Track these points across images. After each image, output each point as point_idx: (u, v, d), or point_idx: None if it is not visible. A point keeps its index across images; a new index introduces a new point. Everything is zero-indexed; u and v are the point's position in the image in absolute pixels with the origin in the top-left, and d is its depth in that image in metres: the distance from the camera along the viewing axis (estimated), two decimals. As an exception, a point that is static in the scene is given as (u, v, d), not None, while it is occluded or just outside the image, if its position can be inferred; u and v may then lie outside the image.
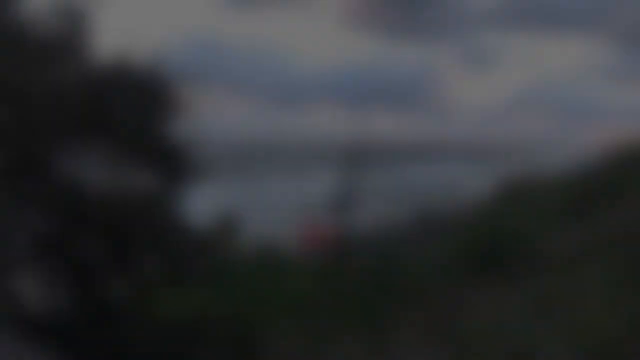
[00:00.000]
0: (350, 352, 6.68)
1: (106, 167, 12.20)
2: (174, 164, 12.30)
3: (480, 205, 34.77)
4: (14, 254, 10.61)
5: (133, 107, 11.58)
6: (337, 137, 20.12)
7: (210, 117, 13.28)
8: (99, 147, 12.18)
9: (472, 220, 21.73)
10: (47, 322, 12.73)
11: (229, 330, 13.97)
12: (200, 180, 12.80)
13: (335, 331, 13.47)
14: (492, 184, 36.22)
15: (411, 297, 17.36)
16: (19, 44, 11.04)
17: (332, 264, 21.80)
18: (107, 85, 11.20)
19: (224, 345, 10.90)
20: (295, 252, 24.79)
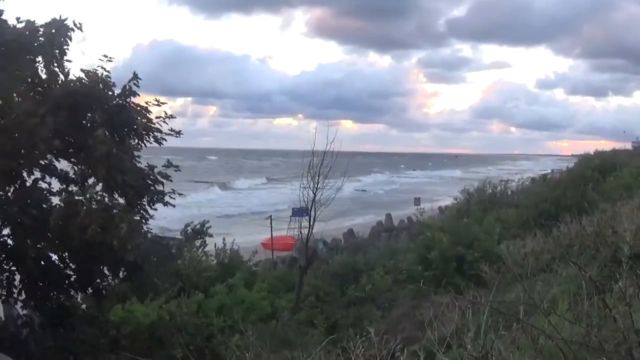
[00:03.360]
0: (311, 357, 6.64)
1: (73, 183, 12.14)
2: (139, 179, 12.26)
3: (447, 215, 34.94)
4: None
5: (101, 125, 11.52)
6: (304, 144, 20.08)
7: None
8: (70, 163, 12.13)
9: (439, 229, 21.92)
10: (11, 330, 12.56)
11: (190, 338, 13.90)
12: (166, 194, 12.80)
13: (298, 338, 13.45)
14: (459, 193, 36.48)
15: (373, 304, 17.38)
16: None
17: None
18: (78, 103, 11.16)
19: (186, 353, 10.81)
20: (259, 258, 24.76)
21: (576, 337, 4.79)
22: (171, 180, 12.71)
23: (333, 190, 19.43)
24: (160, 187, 12.60)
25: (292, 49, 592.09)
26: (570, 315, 5.51)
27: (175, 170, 12.88)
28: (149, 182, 12.38)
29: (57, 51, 11.47)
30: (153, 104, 12.48)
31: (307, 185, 19.04)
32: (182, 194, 13.85)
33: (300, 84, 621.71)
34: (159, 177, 12.48)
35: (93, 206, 11.21)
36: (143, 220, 12.47)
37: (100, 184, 11.60)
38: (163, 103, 12.68)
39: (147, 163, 12.73)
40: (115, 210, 11.41)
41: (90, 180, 11.79)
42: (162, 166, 12.66)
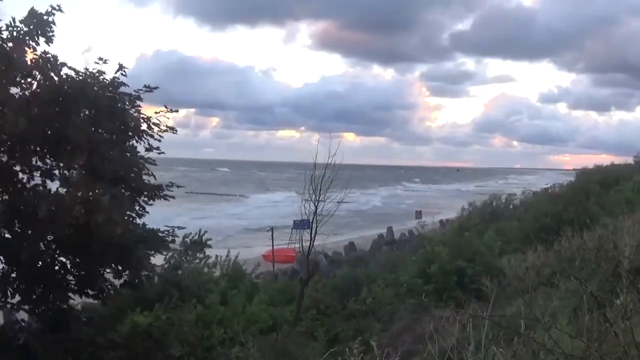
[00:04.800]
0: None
1: (69, 182, 12.09)
2: (134, 180, 12.22)
3: (448, 228, 34.90)
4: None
5: (96, 124, 11.49)
6: (307, 157, 20.01)
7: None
8: (63, 162, 12.06)
9: (440, 242, 21.90)
10: (9, 335, 12.53)
11: (191, 350, 13.86)
12: (164, 199, 12.74)
13: (299, 350, 13.44)
14: (461, 207, 36.43)
15: (373, 317, 17.35)
16: None
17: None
18: (73, 101, 11.11)
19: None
20: (260, 269, 24.71)
21: (577, 352, 4.80)
22: (152, 174, 12.50)
23: (335, 203, 19.37)
24: (155, 182, 12.48)
25: (295, 61, 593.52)
26: (571, 329, 5.51)
27: (151, 164, 12.65)
28: (142, 174, 12.26)
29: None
30: (144, 90, 12.33)
31: (309, 198, 18.98)
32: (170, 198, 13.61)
33: (303, 96, 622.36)
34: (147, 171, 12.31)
35: (76, 193, 11.14)
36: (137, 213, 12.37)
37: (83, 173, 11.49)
38: (155, 88, 12.48)
39: (128, 154, 12.44)
40: (97, 190, 11.28)
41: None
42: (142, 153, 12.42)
